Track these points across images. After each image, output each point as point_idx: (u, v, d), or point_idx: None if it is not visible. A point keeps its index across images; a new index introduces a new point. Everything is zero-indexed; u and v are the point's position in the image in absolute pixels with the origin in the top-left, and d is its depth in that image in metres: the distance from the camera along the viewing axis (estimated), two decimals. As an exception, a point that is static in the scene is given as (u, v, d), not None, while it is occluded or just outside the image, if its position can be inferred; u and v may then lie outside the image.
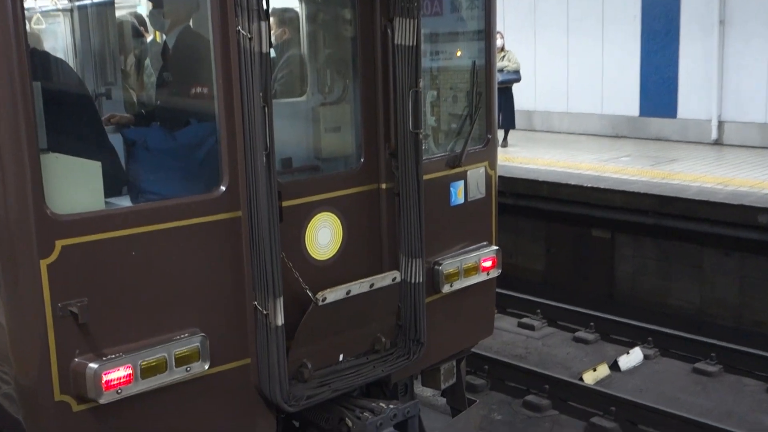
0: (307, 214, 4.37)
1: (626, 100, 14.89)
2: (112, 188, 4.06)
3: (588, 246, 10.68)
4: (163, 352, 3.72)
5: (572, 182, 10.58)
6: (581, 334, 9.02)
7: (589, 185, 10.38)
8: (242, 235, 4.01)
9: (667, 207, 9.61)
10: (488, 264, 5.24)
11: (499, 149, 14.14)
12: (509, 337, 9.07)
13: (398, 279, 4.62)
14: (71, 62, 5.75)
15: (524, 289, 10.37)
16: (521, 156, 13.03)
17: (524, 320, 9.48)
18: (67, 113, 4.03)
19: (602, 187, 10.25)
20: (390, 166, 4.63)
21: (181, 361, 3.78)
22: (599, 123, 15.47)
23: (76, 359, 3.55)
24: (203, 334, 3.87)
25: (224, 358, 4.04)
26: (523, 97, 15.27)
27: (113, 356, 3.60)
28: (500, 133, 14.37)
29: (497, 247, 5.35)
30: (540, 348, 8.79)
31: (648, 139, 14.52)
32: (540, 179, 10.87)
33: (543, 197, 10.79)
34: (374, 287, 4.48)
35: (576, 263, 10.84)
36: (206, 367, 3.87)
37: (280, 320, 4.01)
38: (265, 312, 4.01)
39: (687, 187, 10.11)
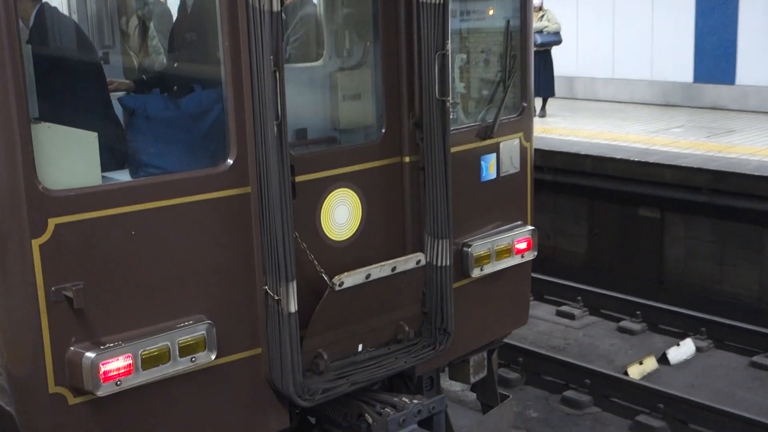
0: (322, 190, 4.36)
1: (679, 64, 14.68)
2: (113, 161, 4.08)
3: (635, 226, 10.60)
4: (166, 340, 3.73)
5: (618, 156, 10.48)
6: (626, 323, 8.97)
7: (636, 159, 10.27)
8: (251, 213, 4.01)
9: (724, 183, 9.49)
10: (523, 246, 5.21)
11: (536, 119, 14.08)
12: (546, 327, 9.05)
13: (423, 262, 4.61)
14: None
15: (563, 273, 10.33)
16: (561, 127, 12.93)
17: (563, 308, 9.45)
18: (65, 79, 4.04)
19: (651, 161, 10.15)
20: (414, 138, 4.61)
21: (186, 350, 3.79)
22: (649, 90, 15.28)
23: (72, 348, 3.57)
24: (209, 321, 3.88)
25: (232, 348, 4.06)
26: (563, 61, 15.12)
27: (112, 345, 3.61)
28: (537, 102, 14.27)
29: (533, 228, 5.32)
30: (580, 339, 8.76)
31: (703, 108, 14.33)
32: (582, 153, 10.78)
33: (585, 173, 10.72)
34: (396, 271, 4.48)
35: (621, 245, 10.77)
36: (213, 357, 3.89)
37: (293, 306, 4.02)
38: (276, 297, 4.01)
39: (746, 161, 9.96)
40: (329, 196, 4.39)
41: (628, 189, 10.38)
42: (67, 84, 4.02)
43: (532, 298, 9.21)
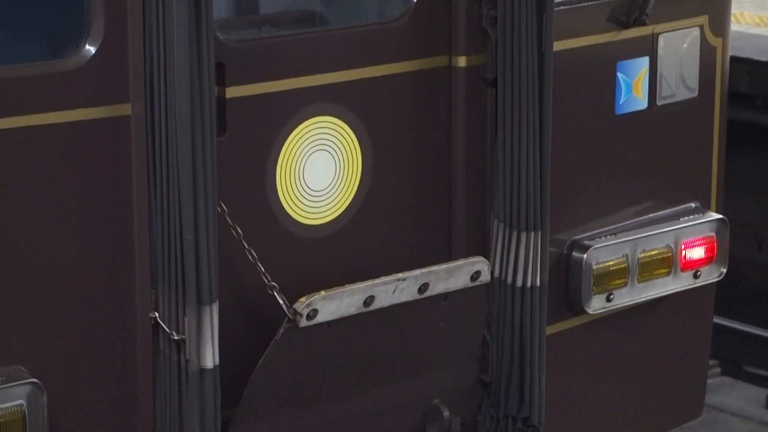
0: (282, 119, 4.42)
1: None
2: None
3: None
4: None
5: None
6: None
7: None
8: (131, 158, 4.05)
9: None
10: (698, 253, 5.29)
11: None
12: (747, 431, 9.03)
13: (486, 277, 4.65)
14: None
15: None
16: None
17: (785, 394, 9.42)
18: None
19: None
20: (478, 18, 4.67)
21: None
22: None
23: None
24: (34, 380, 3.90)
25: (82, 437, 4.11)
26: None
27: None
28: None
29: (721, 217, 5.38)
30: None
31: None
32: None
33: None
34: (429, 293, 4.52)
35: None
36: (40, 454, 3.94)
37: (209, 357, 4.06)
38: (176, 337, 4.07)
39: None
40: (295, 133, 4.45)
41: None
42: None
43: (717, 368, 9.20)
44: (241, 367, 4.26)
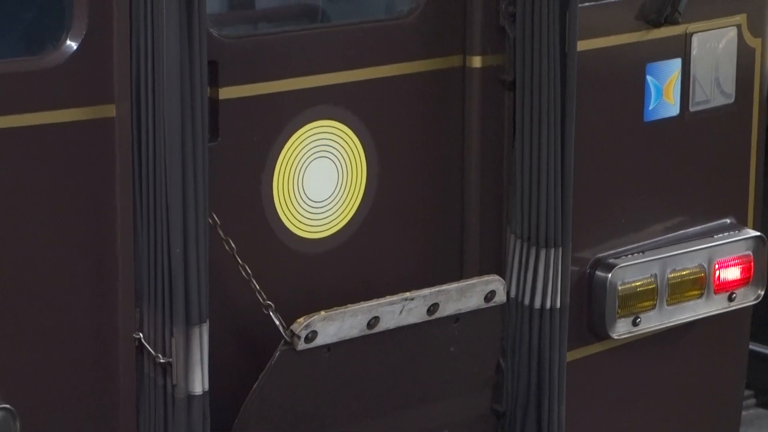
0: (281, 124, 4.42)
1: None
2: None
3: None
4: None
5: None
6: None
7: None
8: (115, 164, 4.03)
9: None
10: (733, 273, 5.27)
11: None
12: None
13: (501, 297, 4.64)
14: None
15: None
16: None
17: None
18: None
19: None
20: (495, 14, 4.66)
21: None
22: None
23: None
24: (6, 405, 3.88)
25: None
26: None
27: None
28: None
29: (759, 234, 5.37)
30: None
31: None
32: None
33: None
34: (439, 314, 4.51)
35: None
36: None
37: (198, 383, 4.05)
38: (162, 360, 4.05)
39: None
40: (294, 139, 4.44)
41: None
42: None
43: (752, 399, 9.17)
44: (233, 394, 4.26)
